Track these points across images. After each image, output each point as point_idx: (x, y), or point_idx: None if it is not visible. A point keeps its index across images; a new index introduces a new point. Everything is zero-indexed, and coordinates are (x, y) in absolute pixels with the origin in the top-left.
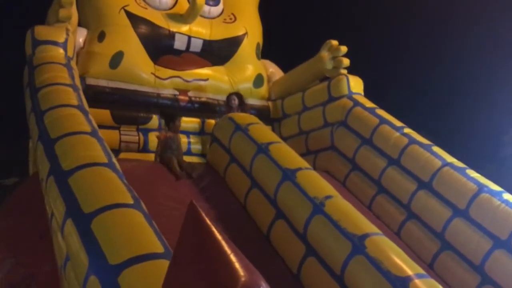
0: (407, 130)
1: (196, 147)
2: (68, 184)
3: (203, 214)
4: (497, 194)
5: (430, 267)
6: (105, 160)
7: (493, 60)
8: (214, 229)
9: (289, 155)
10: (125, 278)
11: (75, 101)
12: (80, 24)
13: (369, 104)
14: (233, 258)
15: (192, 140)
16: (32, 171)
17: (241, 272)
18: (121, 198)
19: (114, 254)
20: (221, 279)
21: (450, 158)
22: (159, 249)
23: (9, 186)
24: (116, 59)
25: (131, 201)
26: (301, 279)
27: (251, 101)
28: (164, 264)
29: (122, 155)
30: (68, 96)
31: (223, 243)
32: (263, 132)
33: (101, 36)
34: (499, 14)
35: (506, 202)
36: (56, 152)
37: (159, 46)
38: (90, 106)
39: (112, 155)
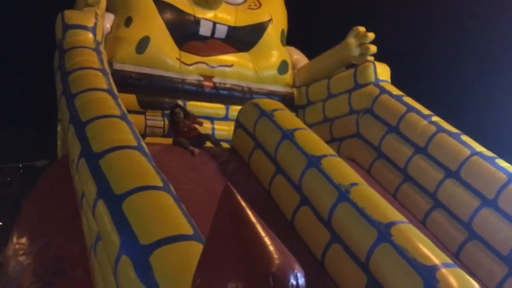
0: (435, 118)
1: (220, 133)
2: (99, 166)
3: (239, 196)
4: None
5: (456, 257)
6: (135, 143)
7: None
8: (249, 211)
9: (314, 142)
10: (156, 258)
11: (104, 85)
12: (107, 9)
13: (396, 91)
14: (267, 241)
15: (216, 126)
16: (61, 154)
17: (275, 255)
18: (151, 180)
19: (145, 234)
20: (256, 262)
21: (479, 148)
22: (189, 230)
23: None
24: (143, 44)
25: (160, 184)
26: (326, 266)
27: (275, 88)
28: (194, 245)
29: (148, 140)
30: (98, 80)
31: (258, 226)
32: (288, 118)
33: (128, 21)
34: None
35: None
36: (87, 134)
37: (185, 32)
38: (118, 91)
39: (141, 139)
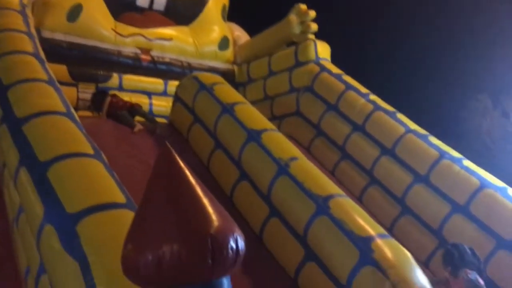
0: (372, 96)
1: (158, 108)
2: (22, 132)
3: (177, 156)
4: (458, 161)
5: (390, 231)
6: (63, 109)
7: (449, 28)
8: (188, 172)
9: (254, 116)
10: (84, 227)
11: (30, 49)
12: None
13: (336, 70)
14: (206, 202)
15: (154, 101)
16: None
17: (214, 216)
18: (80, 147)
19: (72, 202)
20: (193, 223)
21: (413, 125)
22: (121, 199)
23: None
24: (74, 12)
25: (91, 151)
26: (264, 240)
27: (216, 64)
28: (126, 214)
29: (80, 114)
30: (23, 43)
31: (197, 187)
32: (228, 92)
33: None
34: None
35: (466, 168)
36: (9, 99)
37: (121, 2)
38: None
39: (71, 106)
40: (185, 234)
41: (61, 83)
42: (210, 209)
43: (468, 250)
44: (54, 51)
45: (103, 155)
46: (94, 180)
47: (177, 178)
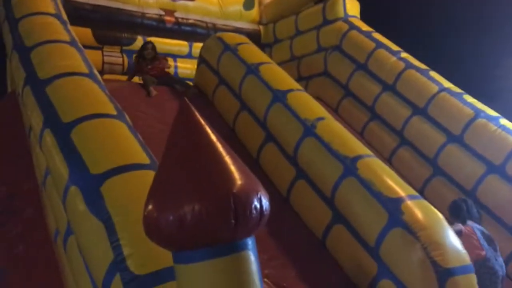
0: (404, 54)
1: (183, 71)
2: (45, 93)
3: (197, 113)
4: (494, 119)
5: (421, 193)
6: (86, 71)
7: None
8: (208, 129)
9: (280, 76)
10: (108, 188)
11: (52, 10)
12: None
13: (365, 27)
14: (228, 160)
15: (179, 64)
16: (10, 88)
17: (237, 175)
18: (103, 108)
19: (96, 163)
20: (215, 182)
21: (447, 83)
22: (145, 160)
23: None
24: None
25: (114, 112)
26: (291, 202)
27: (241, 24)
28: (150, 175)
29: (106, 77)
30: (44, 3)
31: (219, 144)
32: (253, 52)
33: None
34: None
35: (502, 127)
36: (32, 60)
37: None
38: (70, 23)
39: (93, 67)
40: (206, 193)
41: (86, 46)
42: (232, 167)
43: (473, 205)
44: (79, 14)
45: (126, 116)
46: (117, 141)
47: (197, 134)
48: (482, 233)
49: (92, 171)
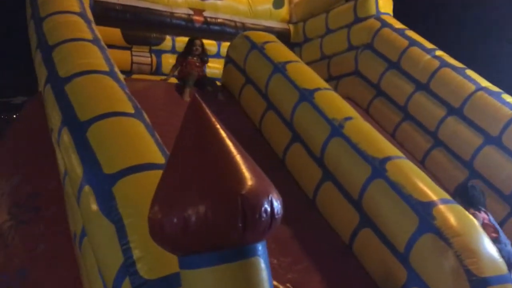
0: (439, 52)
1: (212, 71)
2: (64, 91)
3: (208, 110)
4: None
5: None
6: (106, 69)
7: None
8: (219, 126)
9: (307, 75)
10: (120, 188)
11: (77, 8)
12: None
13: (398, 25)
14: (239, 160)
15: (207, 64)
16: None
17: (247, 175)
18: (121, 106)
19: (109, 163)
20: (222, 182)
21: (484, 82)
22: (160, 159)
23: (17, 104)
24: None
25: (131, 111)
26: (317, 204)
27: (270, 23)
28: None
29: (134, 77)
30: (69, 2)
31: (229, 143)
32: (280, 50)
33: None
34: None
35: None
36: (53, 59)
37: None
38: (99, 24)
39: (115, 65)
40: (212, 194)
41: (116, 46)
42: (242, 167)
43: (482, 192)
44: (108, 15)
45: (145, 114)
46: (133, 140)
47: (206, 133)
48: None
49: (105, 170)
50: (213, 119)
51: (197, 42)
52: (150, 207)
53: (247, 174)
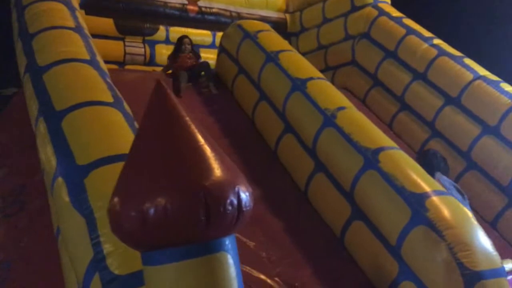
0: (436, 41)
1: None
2: (42, 80)
3: (173, 97)
4: None
5: None
6: (87, 57)
7: None
8: (185, 114)
9: (300, 64)
10: (92, 180)
11: None
12: None
13: (395, 13)
14: (205, 149)
15: (202, 54)
16: None
17: (212, 165)
18: (99, 95)
19: (83, 153)
20: (183, 173)
21: (483, 71)
22: None
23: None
24: None
25: (110, 100)
26: (309, 196)
27: (266, 13)
28: None
29: (127, 67)
30: None
31: (195, 131)
32: (273, 39)
33: None
34: None
35: None
36: (33, 47)
37: None
38: (91, 14)
39: (97, 54)
40: (173, 185)
41: (108, 37)
42: (207, 157)
43: (443, 159)
44: (101, 4)
45: (124, 103)
46: (108, 130)
47: (170, 121)
48: (450, 184)
49: (78, 161)
50: (178, 107)
51: (186, 40)
52: (110, 199)
53: (212, 164)
